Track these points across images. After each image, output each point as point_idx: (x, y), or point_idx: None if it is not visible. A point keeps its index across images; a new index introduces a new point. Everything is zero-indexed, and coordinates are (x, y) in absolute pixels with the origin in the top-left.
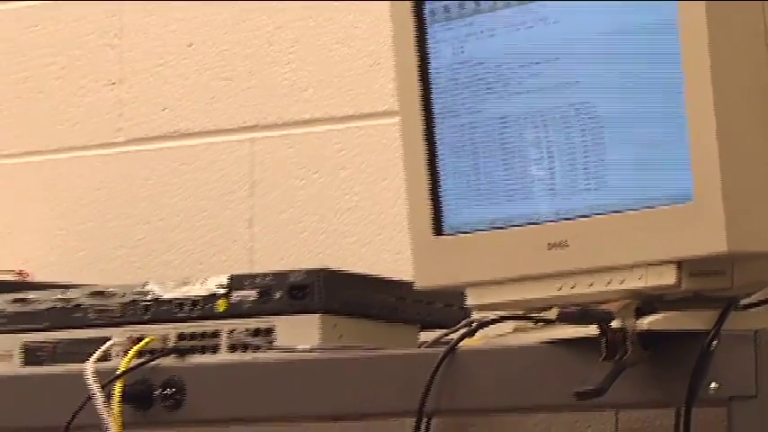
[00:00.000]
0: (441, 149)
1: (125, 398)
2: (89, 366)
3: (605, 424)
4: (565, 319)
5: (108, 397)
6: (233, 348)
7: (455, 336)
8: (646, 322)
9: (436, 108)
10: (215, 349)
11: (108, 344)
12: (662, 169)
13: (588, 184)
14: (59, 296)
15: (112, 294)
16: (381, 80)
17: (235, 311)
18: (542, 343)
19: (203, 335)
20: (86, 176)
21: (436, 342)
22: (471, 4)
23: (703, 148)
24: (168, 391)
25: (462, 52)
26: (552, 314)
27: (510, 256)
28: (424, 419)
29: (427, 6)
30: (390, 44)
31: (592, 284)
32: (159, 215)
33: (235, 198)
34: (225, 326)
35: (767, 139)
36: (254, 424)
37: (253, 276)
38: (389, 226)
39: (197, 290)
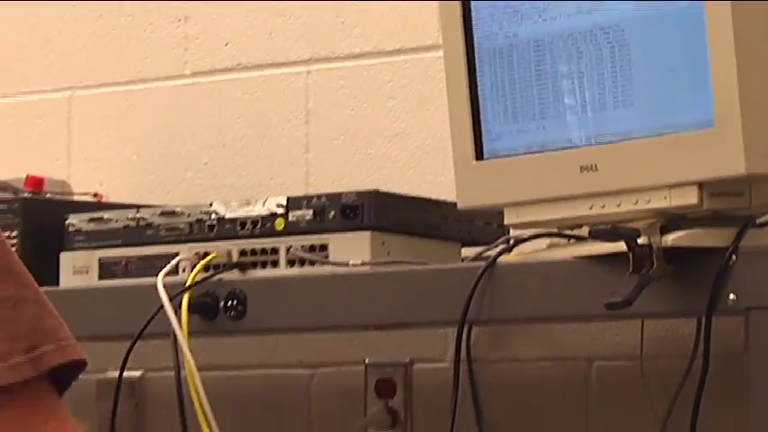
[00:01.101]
0: (480, 77)
1: (192, 309)
2: (159, 280)
3: (632, 333)
4: (596, 235)
5: (177, 308)
6: (291, 263)
7: (494, 252)
8: (670, 239)
9: (476, 35)
10: (274, 264)
11: (176, 259)
12: (686, 97)
13: (617, 112)
14: (132, 216)
15: (180, 214)
16: (426, 16)
17: (292, 229)
18: (575, 258)
19: (264, 251)
20: (156, 106)
21: (476, 257)
22: None
23: (724, 77)
24: (232, 302)
25: None
26: (584, 231)
27: (545, 179)
28: (466, 328)
29: None
30: None
31: (620, 204)
32: (222, 141)
33: (291, 126)
34: (283, 242)
35: None
36: (310, 332)
37: (309, 197)
38: (434, 151)
39: (258, 210)
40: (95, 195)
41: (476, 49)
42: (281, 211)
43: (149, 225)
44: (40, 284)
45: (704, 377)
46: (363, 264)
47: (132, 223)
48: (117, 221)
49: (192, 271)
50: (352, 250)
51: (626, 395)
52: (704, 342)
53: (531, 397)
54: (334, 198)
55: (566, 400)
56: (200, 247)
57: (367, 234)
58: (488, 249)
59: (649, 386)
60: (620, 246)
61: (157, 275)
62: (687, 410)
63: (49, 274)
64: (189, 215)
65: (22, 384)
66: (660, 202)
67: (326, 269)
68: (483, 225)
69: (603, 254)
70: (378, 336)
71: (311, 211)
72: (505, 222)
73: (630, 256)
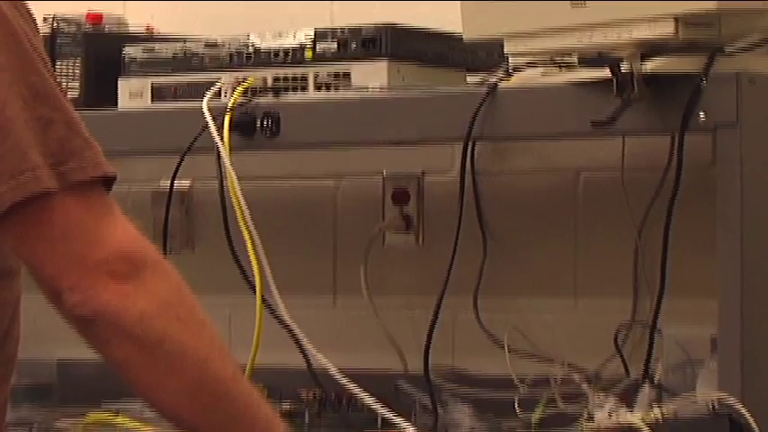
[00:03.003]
0: None
1: (233, 127)
2: (204, 102)
3: (615, 148)
4: (584, 63)
5: (219, 127)
6: (318, 88)
7: (495, 78)
8: (649, 65)
9: None
10: (304, 89)
11: (218, 85)
12: None
13: None
14: (180, 46)
15: (222, 45)
16: None
17: (319, 58)
18: (565, 83)
19: (294, 77)
20: None
21: (480, 83)
22: None
23: None
24: (267, 122)
25: None
26: (574, 60)
27: (540, 13)
28: (470, 144)
29: None
30: None
31: (606, 35)
32: None
33: None
34: (311, 70)
35: None
36: (335, 148)
37: (333, 30)
38: None
39: (289, 41)
40: (148, 29)
41: None
42: (309, 42)
43: (195, 54)
44: (100, 107)
45: (677, 187)
46: (381, 88)
47: (180, 53)
48: (167, 51)
49: (232, 95)
50: (371, 77)
51: (608, 202)
52: (677, 156)
53: (526, 203)
54: (355, 31)
55: (556, 206)
56: (239, 73)
57: (384, 63)
58: (490, 76)
59: (629, 195)
60: (606, 72)
61: (202, 99)
62: (661, 215)
63: (108, 98)
64: (229, 46)
65: (78, 189)
66: (641, 33)
67: (349, 93)
68: (485, 55)
69: (590, 79)
70: (394, 151)
71: (335, 43)
72: (505, 52)
73: (614, 81)
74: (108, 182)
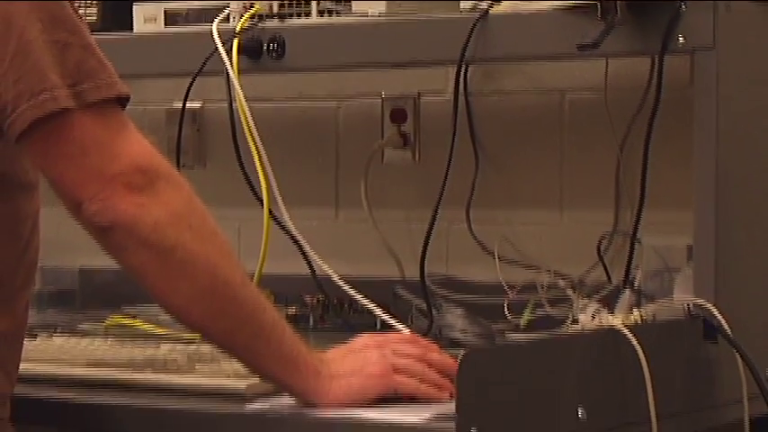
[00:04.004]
0: None
1: (241, 50)
2: (214, 27)
3: (599, 69)
4: None
5: (228, 50)
6: (321, 13)
7: (486, 4)
8: None
9: None
10: (308, 14)
11: (227, 10)
12: None
13: None
14: None
15: None
16: None
17: None
18: (553, 8)
19: (299, 3)
20: None
21: (472, 9)
22: None
23: None
24: (273, 45)
25: None
26: None
27: None
28: (463, 67)
29: None
30: None
31: None
32: None
33: None
34: None
35: None
36: (337, 70)
37: None
38: None
39: None
40: None
41: None
42: None
43: None
44: (117, 31)
45: (656, 106)
46: (380, 14)
47: None
48: None
49: (240, 20)
50: (371, 3)
51: (592, 121)
52: (657, 77)
53: (515, 122)
54: None
55: (544, 125)
56: None
57: None
58: (482, 2)
59: (611, 113)
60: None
61: (212, 23)
62: (642, 132)
63: (123, 22)
64: None
65: (94, 107)
66: None
67: (350, 19)
68: None
69: (576, 4)
70: (392, 73)
71: None
72: None
73: (599, 5)
74: (122, 101)
